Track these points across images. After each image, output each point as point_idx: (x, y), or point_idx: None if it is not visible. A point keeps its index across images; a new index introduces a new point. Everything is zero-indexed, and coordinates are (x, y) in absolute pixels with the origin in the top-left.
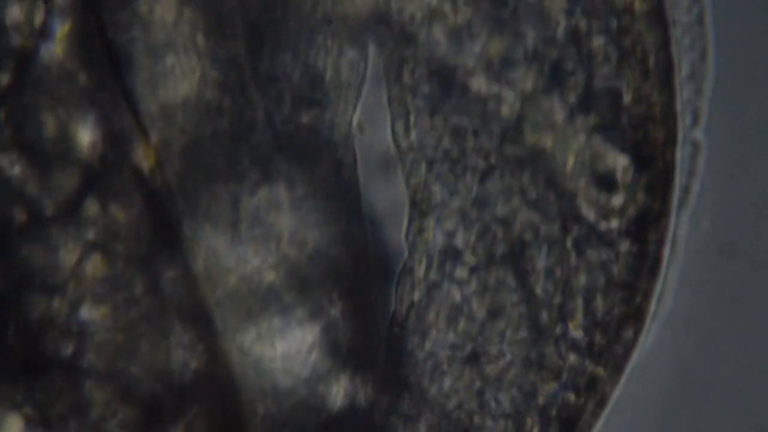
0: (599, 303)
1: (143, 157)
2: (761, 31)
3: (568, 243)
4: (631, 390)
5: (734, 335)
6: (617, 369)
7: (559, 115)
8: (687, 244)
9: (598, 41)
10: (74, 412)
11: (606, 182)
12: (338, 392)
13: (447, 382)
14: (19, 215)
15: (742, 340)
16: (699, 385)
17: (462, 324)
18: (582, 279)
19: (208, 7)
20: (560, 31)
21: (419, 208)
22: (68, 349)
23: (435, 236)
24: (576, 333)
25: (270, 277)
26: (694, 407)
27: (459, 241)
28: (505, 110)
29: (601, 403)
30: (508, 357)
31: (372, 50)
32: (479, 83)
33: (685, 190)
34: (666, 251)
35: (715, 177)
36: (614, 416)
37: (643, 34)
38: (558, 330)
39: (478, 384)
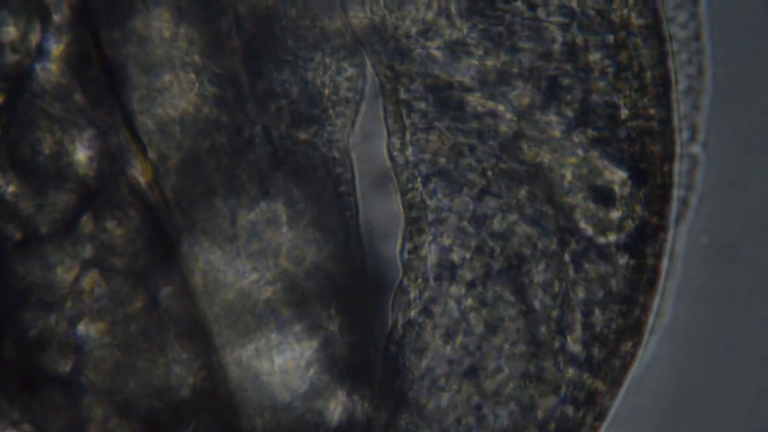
0: (598, 316)
1: (140, 173)
2: (759, 46)
3: (566, 257)
4: (629, 403)
5: (732, 348)
6: (616, 382)
7: (557, 130)
8: (685, 257)
9: (594, 56)
10: (72, 429)
11: (604, 196)
12: (336, 407)
13: (445, 397)
14: (15, 233)
15: (740, 353)
16: (697, 398)
17: (459, 339)
18: (580, 293)
19: (206, 23)
20: (557, 47)
21: (415, 224)
22: (66, 366)
23: (431, 252)
24: (574, 346)
25: (267, 292)
26: (693, 420)
27: (456, 256)
28: (502, 126)
29: (600, 417)
30: (507, 371)
31: (369, 67)
32: (475, 99)
33: (683, 203)
34: (664, 265)
35: (713, 191)
36: (613, 429)
37: (639, 49)
38: (556, 344)
39: (476, 399)
